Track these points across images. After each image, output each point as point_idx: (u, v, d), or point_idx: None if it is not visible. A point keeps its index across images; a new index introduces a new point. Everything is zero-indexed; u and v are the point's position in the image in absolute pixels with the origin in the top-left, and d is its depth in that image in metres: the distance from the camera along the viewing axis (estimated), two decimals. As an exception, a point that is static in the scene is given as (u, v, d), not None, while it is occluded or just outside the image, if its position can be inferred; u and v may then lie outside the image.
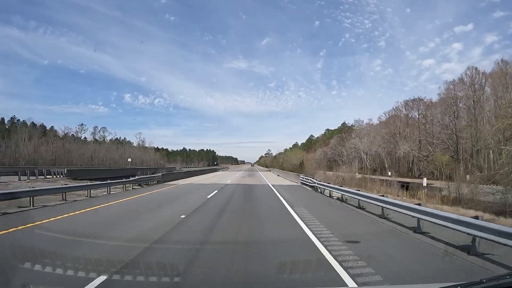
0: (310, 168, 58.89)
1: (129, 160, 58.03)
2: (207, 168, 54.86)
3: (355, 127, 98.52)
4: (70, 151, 72.83)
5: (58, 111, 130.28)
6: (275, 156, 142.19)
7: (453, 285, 1.71)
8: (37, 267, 4.11)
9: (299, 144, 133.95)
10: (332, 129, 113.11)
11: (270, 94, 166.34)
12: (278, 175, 40.07)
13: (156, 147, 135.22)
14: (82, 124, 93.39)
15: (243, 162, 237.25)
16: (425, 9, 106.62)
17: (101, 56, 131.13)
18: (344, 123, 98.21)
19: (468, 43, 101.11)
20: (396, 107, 63.99)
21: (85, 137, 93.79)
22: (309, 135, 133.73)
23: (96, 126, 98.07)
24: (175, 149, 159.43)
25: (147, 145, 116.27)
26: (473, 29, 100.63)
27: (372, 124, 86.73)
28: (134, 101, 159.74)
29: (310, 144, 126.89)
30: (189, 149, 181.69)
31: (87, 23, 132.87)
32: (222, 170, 62.65)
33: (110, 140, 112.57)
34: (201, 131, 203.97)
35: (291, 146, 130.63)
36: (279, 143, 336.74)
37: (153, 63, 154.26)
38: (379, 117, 72.01)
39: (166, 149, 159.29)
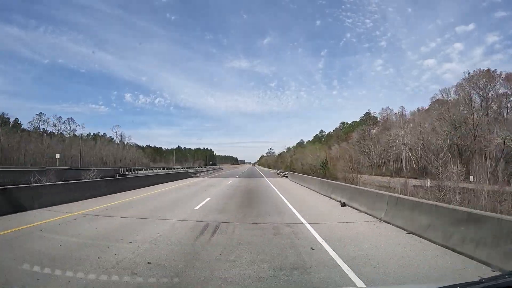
0: (343, 171, 39.80)
1: (57, 156, 39.05)
2: (177, 171, 29.07)
3: (379, 118, 79.64)
4: (8, 146, 53.89)
5: (58, 110, 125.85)
6: (279, 155, 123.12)
7: (452, 286, 1.68)
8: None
9: (305, 142, 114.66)
10: (349, 121, 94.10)
11: (271, 94, 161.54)
12: (349, 201, 10.03)
13: (149, 145, 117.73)
14: (40, 113, 74.54)
15: (243, 162, 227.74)
16: (426, 9, 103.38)
17: (102, 55, 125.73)
18: (368, 113, 79.19)
19: (469, 43, 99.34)
20: (459, 84, 44.58)
21: (56, 132, 75.37)
22: (316, 132, 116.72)
23: (59, 117, 79.20)
24: (169, 148, 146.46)
25: (127, 141, 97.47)
26: (475, 29, 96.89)
27: (403, 113, 67.79)
28: (134, 101, 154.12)
29: (320, 140, 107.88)
30: (184, 148, 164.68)
31: (88, 22, 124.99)
32: (203, 176, 33.37)
33: (88, 135, 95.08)
34: (201, 131, 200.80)
35: (294, 145, 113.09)
36: (279, 143, 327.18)
37: (154, 62, 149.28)
38: (433, 97, 52.84)
39: (160, 148, 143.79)
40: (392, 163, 62.06)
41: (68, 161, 63.09)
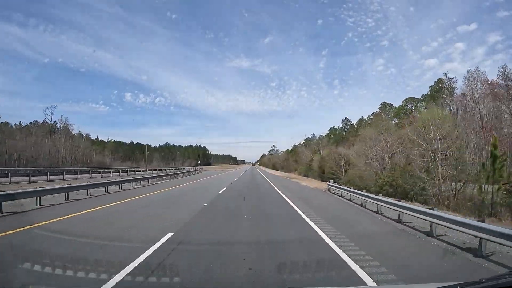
0: None
1: None
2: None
3: (461, 90, 49.65)
4: None
5: (58, 109, 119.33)
6: (291, 151, 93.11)
7: (453, 285, 1.69)
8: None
9: (317, 137, 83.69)
10: (395, 103, 64.29)
11: (272, 94, 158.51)
12: None
13: (120, 139, 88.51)
14: None
15: (242, 162, 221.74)
16: (428, 8, 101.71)
17: (102, 54, 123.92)
18: (441, 79, 49.01)
19: (471, 43, 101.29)
20: None
21: None
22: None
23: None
24: (157, 145, 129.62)
25: (77, 132, 68.08)
26: (476, 28, 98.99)
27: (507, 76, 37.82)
28: (135, 100, 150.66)
29: (342, 135, 78.35)
30: (174, 145, 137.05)
31: (88, 21, 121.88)
32: None
33: (37, 123, 65.48)
34: (202, 131, 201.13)
35: (302, 142, 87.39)
36: (279, 143, 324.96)
37: (155, 61, 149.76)
38: None
39: (145, 145, 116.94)
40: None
41: None
